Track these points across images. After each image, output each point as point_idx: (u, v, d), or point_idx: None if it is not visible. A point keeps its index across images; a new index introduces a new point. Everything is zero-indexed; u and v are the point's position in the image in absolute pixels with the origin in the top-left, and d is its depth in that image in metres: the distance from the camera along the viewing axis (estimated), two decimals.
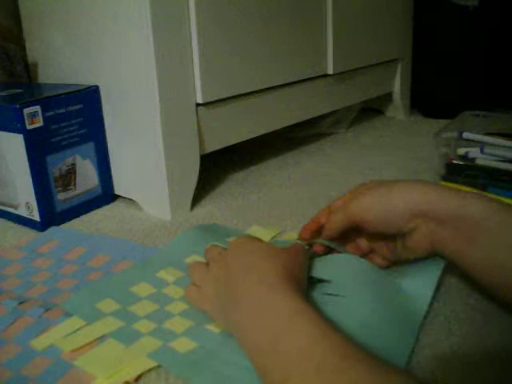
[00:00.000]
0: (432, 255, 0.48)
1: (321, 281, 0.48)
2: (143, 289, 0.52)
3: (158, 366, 0.41)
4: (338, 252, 0.52)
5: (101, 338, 0.44)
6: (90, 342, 0.44)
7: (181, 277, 0.54)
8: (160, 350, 0.43)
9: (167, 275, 0.54)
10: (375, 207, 0.47)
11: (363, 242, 0.53)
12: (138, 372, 0.41)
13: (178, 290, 0.51)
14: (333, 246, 0.52)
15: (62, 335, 0.45)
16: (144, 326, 0.46)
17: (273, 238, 0.64)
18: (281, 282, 0.41)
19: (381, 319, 0.44)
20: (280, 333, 0.36)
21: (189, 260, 0.57)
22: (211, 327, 0.45)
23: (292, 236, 0.63)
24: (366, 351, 0.33)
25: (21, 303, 0.50)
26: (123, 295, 0.50)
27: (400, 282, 0.49)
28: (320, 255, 0.52)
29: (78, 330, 0.45)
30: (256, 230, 0.65)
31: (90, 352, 0.43)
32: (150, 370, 0.41)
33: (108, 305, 0.49)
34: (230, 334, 0.43)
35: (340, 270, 0.49)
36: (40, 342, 0.44)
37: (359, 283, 0.48)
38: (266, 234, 0.64)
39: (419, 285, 0.49)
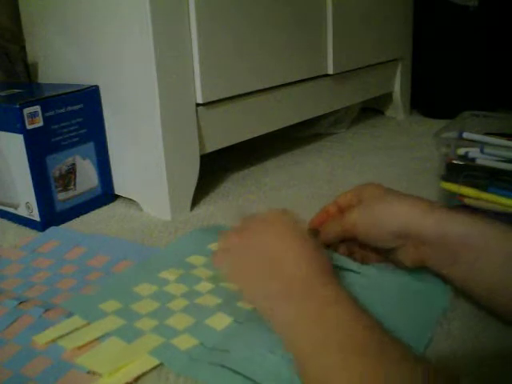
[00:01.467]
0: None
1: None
2: (145, 289, 0.52)
3: (159, 366, 0.41)
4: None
5: (103, 337, 0.44)
6: (92, 340, 0.44)
7: (182, 275, 0.54)
8: (161, 348, 0.43)
9: (169, 274, 0.54)
10: (365, 222, 0.49)
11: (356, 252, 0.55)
12: (141, 370, 0.41)
13: (180, 286, 0.52)
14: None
15: (63, 333, 0.45)
16: (145, 323, 0.46)
17: None
18: (317, 259, 0.43)
19: (397, 313, 0.46)
20: (314, 310, 0.38)
21: (190, 260, 0.57)
22: (212, 323, 0.46)
23: None
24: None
25: (21, 303, 0.50)
26: (125, 295, 0.51)
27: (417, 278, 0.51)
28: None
29: (79, 328, 0.45)
30: None
31: (92, 350, 0.43)
32: (150, 370, 0.41)
33: (110, 305, 0.49)
34: (232, 329, 0.44)
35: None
36: (42, 338, 0.44)
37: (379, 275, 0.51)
38: None
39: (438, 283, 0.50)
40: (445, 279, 0.48)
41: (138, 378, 0.40)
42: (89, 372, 0.40)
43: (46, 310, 0.48)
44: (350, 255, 0.54)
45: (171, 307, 0.49)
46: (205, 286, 0.52)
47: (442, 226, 0.45)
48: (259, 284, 0.44)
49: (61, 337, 0.44)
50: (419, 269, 0.50)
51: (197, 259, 0.57)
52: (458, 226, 0.45)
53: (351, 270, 0.51)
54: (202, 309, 0.48)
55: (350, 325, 0.36)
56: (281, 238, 0.45)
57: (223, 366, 0.40)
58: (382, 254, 0.52)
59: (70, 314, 0.48)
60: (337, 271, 0.48)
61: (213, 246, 0.60)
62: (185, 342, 0.43)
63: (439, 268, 0.47)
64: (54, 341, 0.44)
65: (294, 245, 0.44)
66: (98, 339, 0.44)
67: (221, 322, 0.46)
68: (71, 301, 0.50)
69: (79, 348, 0.43)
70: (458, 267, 0.45)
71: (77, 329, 0.45)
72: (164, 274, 0.54)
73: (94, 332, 0.45)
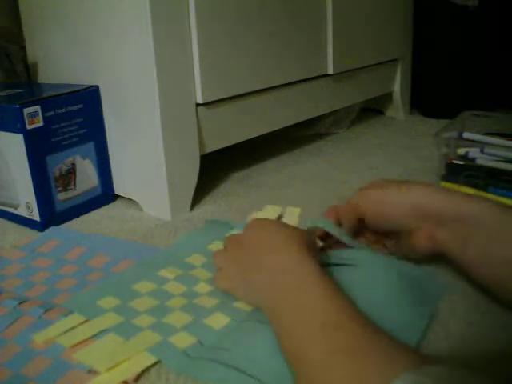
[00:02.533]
0: (431, 255, 0.50)
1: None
2: (144, 286, 0.52)
3: (159, 366, 0.41)
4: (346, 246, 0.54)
5: (100, 333, 0.45)
6: (90, 337, 0.44)
7: (181, 274, 0.54)
8: (159, 345, 0.43)
9: (168, 273, 0.54)
10: (379, 203, 0.50)
11: (370, 236, 0.55)
12: (139, 368, 0.41)
13: (178, 285, 0.52)
14: (344, 239, 0.53)
15: (62, 331, 0.45)
16: (143, 320, 0.46)
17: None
18: (298, 248, 0.44)
19: (393, 301, 0.46)
20: (292, 292, 0.40)
21: (189, 259, 0.57)
22: (210, 322, 0.46)
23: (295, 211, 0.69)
24: (366, 317, 0.37)
25: (21, 303, 0.50)
26: (124, 292, 0.51)
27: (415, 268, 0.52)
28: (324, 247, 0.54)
29: (78, 325, 0.46)
30: (261, 214, 0.68)
31: (89, 346, 0.43)
32: (150, 370, 0.41)
33: (109, 302, 0.49)
34: (230, 329, 0.45)
35: (357, 255, 0.52)
36: (40, 337, 0.44)
37: (374, 265, 0.50)
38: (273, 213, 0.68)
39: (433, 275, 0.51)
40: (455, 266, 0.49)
41: (137, 378, 0.40)
42: (89, 371, 0.40)
43: (46, 310, 0.48)
44: (370, 244, 0.55)
45: (169, 305, 0.49)
46: (203, 287, 0.52)
47: (461, 206, 0.45)
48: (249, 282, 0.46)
49: (60, 335, 0.45)
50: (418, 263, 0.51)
51: (196, 259, 0.58)
52: (474, 208, 0.45)
53: (347, 264, 0.51)
54: (200, 308, 0.48)
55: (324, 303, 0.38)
56: (265, 235, 0.47)
57: (226, 365, 0.40)
58: (392, 242, 0.53)
59: (69, 313, 0.48)
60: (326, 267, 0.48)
61: (213, 247, 0.60)
62: (182, 340, 0.43)
63: (451, 251, 0.47)
64: (52, 339, 0.44)
65: (275, 238, 0.46)
66: (96, 335, 0.44)
67: (219, 321, 0.46)
68: (70, 300, 0.50)
69: (77, 345, 0.43)
70: (469, 250, 0.45)
71: (75, 326, 0.46)
72: (163, 273, 0.54)
73: (92, 329, 0.45)
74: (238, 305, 0.48)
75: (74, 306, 0.49)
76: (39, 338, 0.44)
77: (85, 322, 0.46)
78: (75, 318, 0.47)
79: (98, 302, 0.49)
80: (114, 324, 0.46)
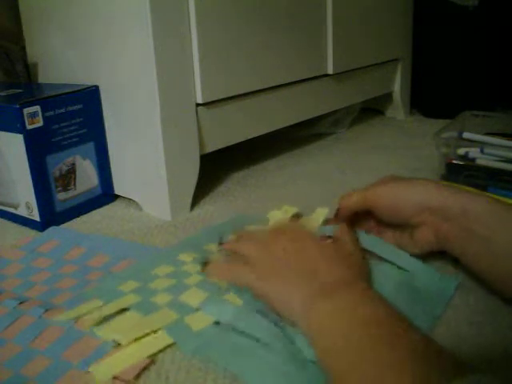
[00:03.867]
0: (435, 250, 0.51)
1: None
2: (163, 270, 0.54)
3: (159, 366, 0.41)
4: None
5: (120, 311, 0.47)
6: (111, 315, 0.46)
7: (198, 257, 0.56)
8: (175, 325, 0.45)
9: (186, 257, 0.56)
10: (389, 196, 0.51)
11: (373, 228, 0.57)
12: (156, 348, 0.42)
13: (196, 266, 0.54)
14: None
15: (83, 312, 0.47)
16: (161, 298, 0.48)
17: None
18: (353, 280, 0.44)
19: (403, 300, 0.46)
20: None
21: (207, 247, 0.59)
22: (228, 298, 0.47)
23: (322, 213, 0.63)
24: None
25: (21, 303, 0.50)
26: (144, 276, 0.53)
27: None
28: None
29: (98, 308, 0.47)
30: (275, 214, 0.67)
31: (109, 322, 0.45)
32: (150, 370, 0.41)
33: (129, 285, 0.51)
34: (245, 306, 0.46)
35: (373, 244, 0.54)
36: (62, 316, 0.46)
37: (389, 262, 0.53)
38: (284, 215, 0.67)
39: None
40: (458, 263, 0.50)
41: (137, 378, 0.40)
42: (87, 372, 0.41)
43: (46, 310, 0.48)
44: (368, 231, 0.56)
45: (187, 282, 0.51)
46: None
47: (464, 201, 0.47)
48: (292, 288, 0.43)
49: (81, 315, 0.46)
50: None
51: (214, 247, 0.59)
52: (477, 204, 0.46)
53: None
54: (216, 284, 0.50)
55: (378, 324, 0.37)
56: (302, 244, 0.48)
57: (235, 343, 0.42)
58: (397, 235, 0.54)
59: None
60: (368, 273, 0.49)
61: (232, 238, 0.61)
62: (198, 321, 0.45)
63: (455, 246, 0.48)
64: (73, 318, 0.46)
65: (319, 249, 0.47)
66: (116, 313, 0.47)
67: (234, 300, 0.47)
68: (91, 289, 0.52)
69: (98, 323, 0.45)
70: (472, 245, 0.46)
71: (96, 308, 0.47)
72: (181, 257, 0.56)
73: (112, 308, 0.47)
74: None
75: (95, 293, 0.50)
76: (61, 317, 0.46)
77: (105, 304, 0.48)
78: (95, 302, 0.48)
79: (118, 287, 0.51)
80: (133, 303, 0.48)
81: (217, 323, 0.45)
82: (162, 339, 0.43)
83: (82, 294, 0.51)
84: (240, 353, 0.41)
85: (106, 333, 0.44)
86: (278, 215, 0.66)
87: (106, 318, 0.46)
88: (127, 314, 0.47)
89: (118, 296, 0.49)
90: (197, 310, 0.47)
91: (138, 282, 0.51)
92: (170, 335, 0.44)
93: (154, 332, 0.44)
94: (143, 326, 0.44)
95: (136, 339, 0.43)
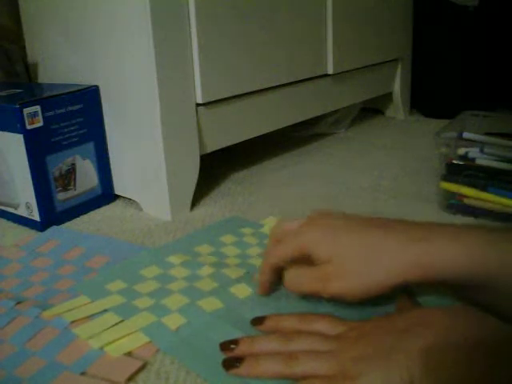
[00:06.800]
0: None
1: None
2: (151, 271, 0.54)
3: (159, 366, 0.41)
4: None
5: (101, 312, 0.47)
6: (91, 315, 0.47)
7: (187, 260, 0.56)
8: (152, 325, 0.45)
9: (175, 259, 0.56)
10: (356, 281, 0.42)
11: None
12: (129, 348, 0.43)
13: (183, 270, 0.54)
14: None
15: (68, 308, 0.48)
16: (143, 302, 0.49)
17: None
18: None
19: None
20: None
21: (198, 249, 0.59)
22: (203, 304, 0.48)
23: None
24: None
25: (18, 303, 0.50)
26: (132, 277, 0.53)
27: None
28: None
29: (82, 305, 0.49)
30: (272, 220, 0.66)
31: (88, 322, 0.46)
32: (150, 370, 0.41)
33: (116, 285, 0.52)
34: (220, 313, 0.46)
35: None
36: (49, 312, 0.48)
37: None
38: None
39: None
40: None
41: (137, 378, 0.40)
42: (82, 373, 0.40)
43: (43, 311, 0.48)
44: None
45: (171, 288, 0.51)
46: (206, 269, 0.54)
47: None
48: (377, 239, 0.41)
49: (65, 312, 0.48)
50: None
51: (205, 248, 0.60)
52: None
53: None
54: (198, 291, 0.50)
55: None
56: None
57: (204, 348, 0.42)
58: None
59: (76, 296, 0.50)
60: None
61: (224, 239, 0.61)
62: (174, 321, 0.45)
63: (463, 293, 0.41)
64: (58, 315, 0.47)
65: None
66: (97, 314, 0.47)
67: (212, 304, 0.48)
68: (80, 283, 0.53)
69: (78, 321, 0.46)
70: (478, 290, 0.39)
71: (80, 306, 0.48)
72: (171, 259, 0.57)
73: (94, 308, 0.48)
74: (234, 290, 0.50)
75: (82, 289, 0.51)
76: (47, 313, 0.47)
77: (90, 302, 0.49)
78: (82, 299, 0.49)
79: (106, 286, 0.51)
80: (115, 305, 0.48)
81: (190, 323, 0.45)
82: (137, 339, 0.44)
83: (73, 288, 0.52)
84: (204, 356, 0.41)
85: (83, 333, 0.44)
86: (274, 222, 0.66)
87: (88, 317, 0.47)
88: (106, 315, 0.47)
89: (105, 295, 0.50)
90: (175, 311, 0.47)
91: (125, 282, 0.52)
92: (146, 334, 0.44)
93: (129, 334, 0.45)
94: (120, 330, 0.45)
95: (109, 343, 0.43)
